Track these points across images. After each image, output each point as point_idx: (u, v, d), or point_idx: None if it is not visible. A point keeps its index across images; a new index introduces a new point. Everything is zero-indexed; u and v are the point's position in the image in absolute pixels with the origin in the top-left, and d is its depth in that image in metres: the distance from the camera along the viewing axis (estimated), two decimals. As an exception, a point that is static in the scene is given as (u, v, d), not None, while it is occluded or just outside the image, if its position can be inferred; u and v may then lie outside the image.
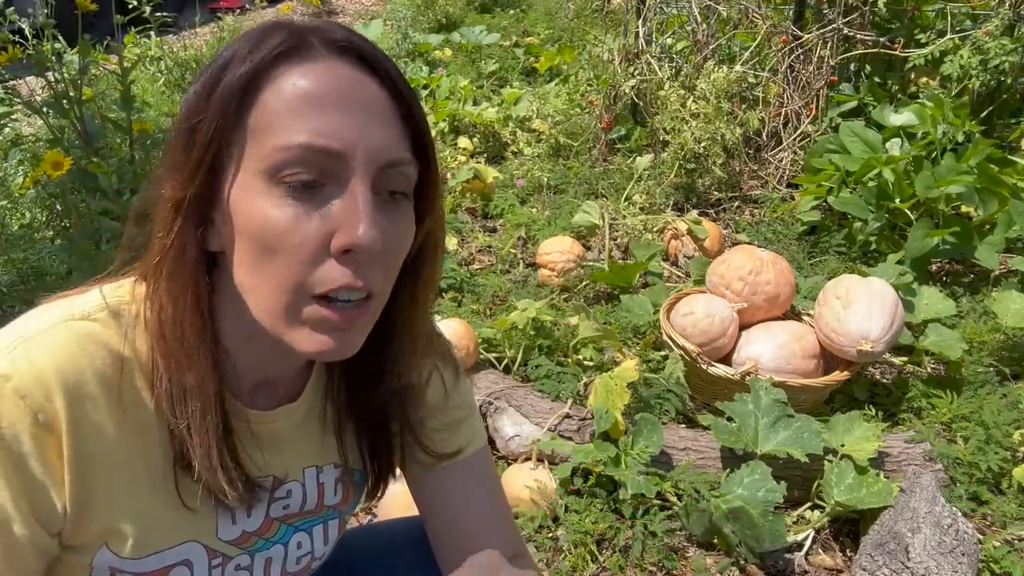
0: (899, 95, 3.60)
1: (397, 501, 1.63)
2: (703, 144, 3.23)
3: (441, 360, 0.85)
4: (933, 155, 2.95)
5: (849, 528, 1.78)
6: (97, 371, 0.63)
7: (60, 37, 2.33)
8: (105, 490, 0.64)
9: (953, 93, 3.29)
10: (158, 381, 0.65)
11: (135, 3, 2.67)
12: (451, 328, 2.07)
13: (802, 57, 3.56)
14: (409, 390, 0.80)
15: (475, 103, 4.18)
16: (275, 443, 0.75)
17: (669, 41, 4.00)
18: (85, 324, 0.64)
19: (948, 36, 3.37)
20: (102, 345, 0.64)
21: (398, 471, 0.88)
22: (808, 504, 1.80)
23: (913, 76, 3.66)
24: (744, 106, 3.51)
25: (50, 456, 0.61)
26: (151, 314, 0.65)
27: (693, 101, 3.33)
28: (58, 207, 2.45)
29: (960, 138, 3.01)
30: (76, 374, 0.62)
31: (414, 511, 1.01)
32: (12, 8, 2.24)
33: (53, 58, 2.19)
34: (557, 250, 2.70)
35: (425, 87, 4.40)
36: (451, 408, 0.85)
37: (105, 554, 0.66)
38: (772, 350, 2.03)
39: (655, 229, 2.97)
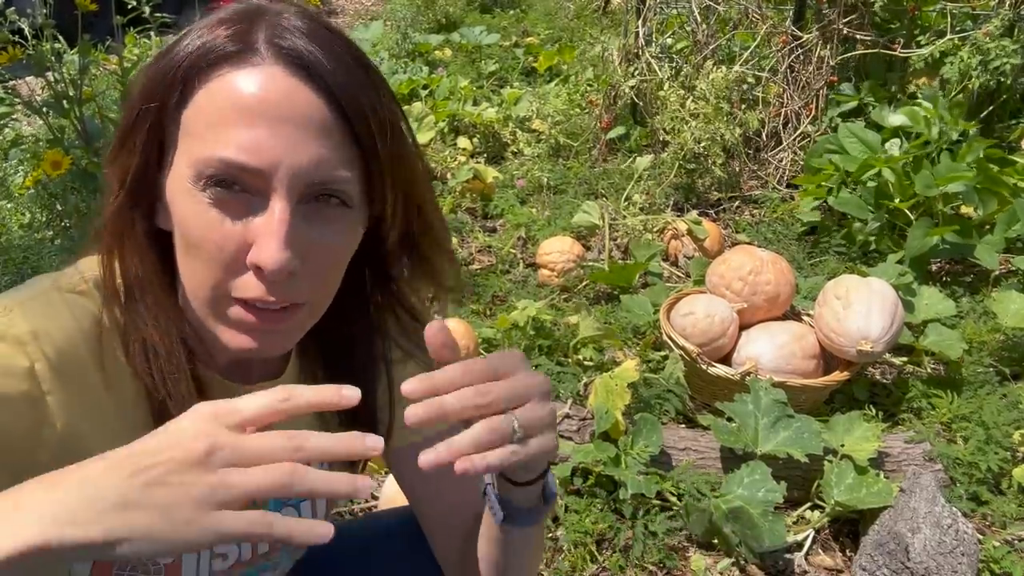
0: (899, 95, 3.60)
1: (396, 501, 1.63)
2: (703, 144, 3.23)
3: (419, 349, 0.84)
4: (932, 155, 2.95)
5: (849, 528, 1.78)
6: (86, 337, 0.64)
7: (60, 37, 2.33)
8: (81, 454, 0.64)
9: (953, 93, 3.29)
10: (131, 343, 0.66)
11: (134, 3, 2.67)
12: (451, 328, 2.07)
13: (802, 57, 3.56)
14: (385, 365, 0.81)
15: (475, 103, 4.18)
16: None
17: (669, 41, 4.00)
18: (72, 295, 0.66)
19: (948, 36, 3.37)
20: (88, 313, 0.65)
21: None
22: (808, 504, 1.80)
23: (912, 76, 3.66)
24: (744, 106, 3.51)
25: (28, 410, 0.60)
26: (117, 277, 0.66)
27: (693, 101, 3.33)
28: (58, 207, 2.45)
29: (955, 137, 3.01)
30: (68, 337, 0.63)
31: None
32: (12, 8, 2.24)
33: (53, 58, 2.19)
34: (557, 250, 2.69)
35: (425, 87, 4.40)
36: None
37: None
38: (772, 350, 2.03)
39: (655, 229, 2.97)
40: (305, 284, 0.63)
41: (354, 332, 0.78)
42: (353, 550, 0.95)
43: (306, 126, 0.59)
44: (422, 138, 3.68)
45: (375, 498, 1.85)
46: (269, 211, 0.59)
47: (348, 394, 0.52)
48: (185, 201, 0.61)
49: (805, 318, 2.19)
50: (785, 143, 3.55)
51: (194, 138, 0.60)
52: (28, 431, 0.60)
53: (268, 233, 0.59)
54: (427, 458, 0.56)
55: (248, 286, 0.61)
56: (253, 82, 0.59)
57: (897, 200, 2.72)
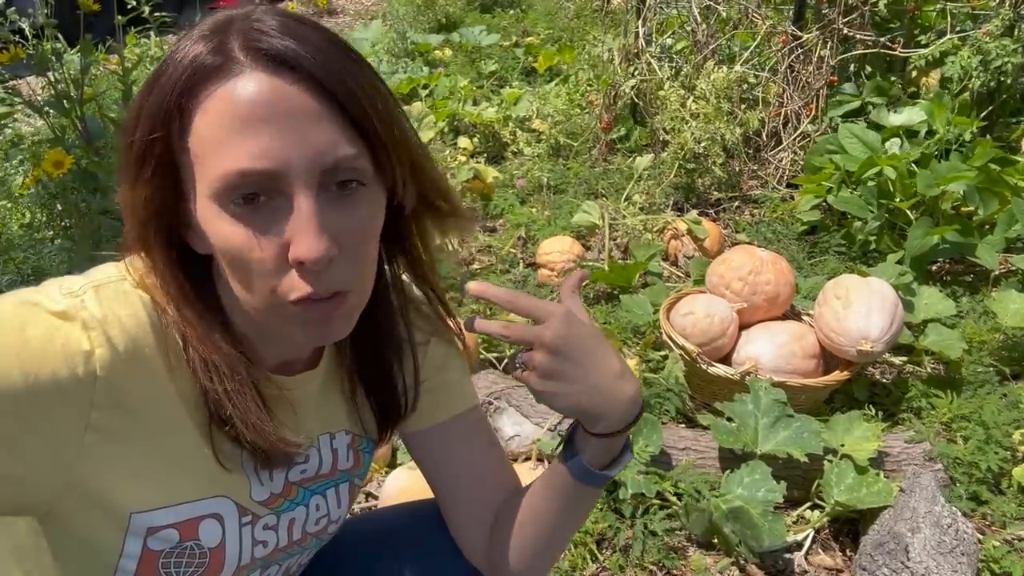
0: (899, 95, 3.60)
1: (398, 500, 1.64)
2: (703, 144, 3.23)
3: (438, 329, 0.89)
4: (935, 154, 2.95)
5: (849, 528, 1.78)
6: (155, 328, 0.67)
7: (60, 37, 2.33)
8: (139, 439, 0.66)
9: (954, 93, 3.30)
10: (190, 355, 0.68)
11: (134, 3, 2.68)
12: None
13: (802, 57, 3.56)
14: (408, 349, 0.86)
15: (475, 103, 4.18)
16: (294, 411, 0.78)
17: (669, 41, 4.00)
18: (137, 290, 0.68)
19: (948, 36, 3.37)
20: (152, 307, 0.68)
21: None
22: (808, 504, 1.80)
23: (914, 76, 3.66)
24: (744, 106, 3.51)
25: (77, 391, 0.62)
26: (163, 294, 0.68)
27: (693, 101, 3.33)
28: (58, 207, 2.46)
29: (966, 138, 3.01)
30: (138, 326, 0.65)
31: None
32: (13, 8, 2.24)
33: (54, 58, 2.20)
34: (557, 250, 2.70)
35: (425, 87, 4.40)
36: (450, 368, 0.90)
37: (138, 518, 0.68)
38: (772, 350, 2.03)
39: (655, 229, 2.97)
40: (345, 269, 0.65)
41: (380, 318, 0.82)
42: (363, 546, 0.97)
43: (303, 118, 0.61)
44: (422, 138, 3.67)
45: (375, 497, 1.85)
46: (296, 208, 0.62)
47: None
48: (216, 223, 0.63)
49: (805, 318, 2.19)
50: (785, 143, 3.55)
51: (205, 161, 0.62)
52: (73, 410, 0.62)
53: (301, 229, 0.61)
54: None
55: (297, 286, 0.63)
56: (242, 92, 0.60)
57: (898, 199, 2.72)
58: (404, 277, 0.85)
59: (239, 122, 0.60)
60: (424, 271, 0.83)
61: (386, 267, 0.82)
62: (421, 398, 0.88)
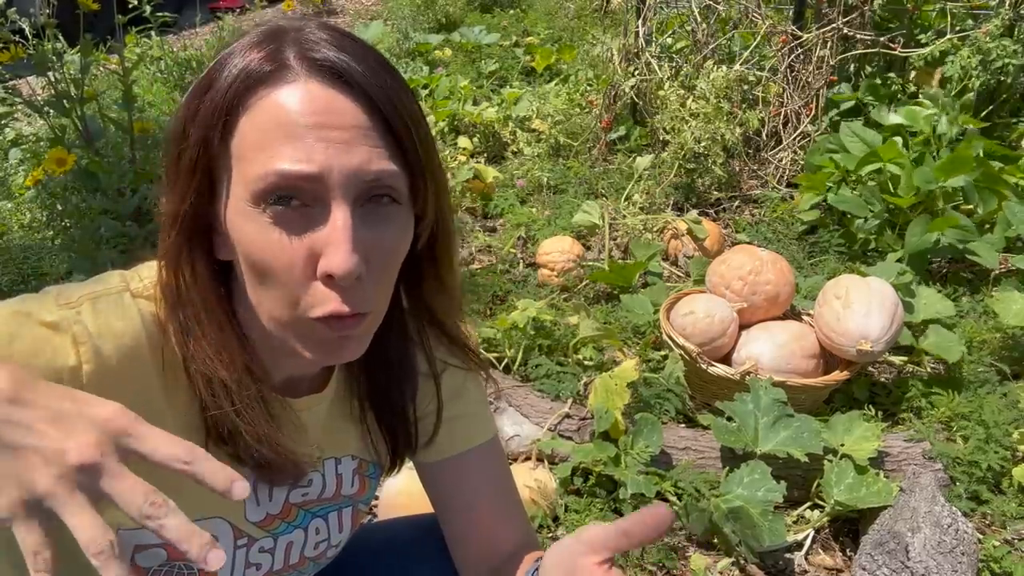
0: (899, 95, 3.60)
1: (397, 501, 1.64)
2: (703, 144, 3.23)
3: (457, 356, 0.86)
4: (934, 152, 2.96)
5: (849, 528, 1.78)
6: (152, 344, 0.66)
7: (61, 36, 2.34)
8: None
9: (953, 93, 3.30)
10: (187, 365, 0.67)
11: (135, 3, 2.68)
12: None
13: (802, 57, 3.56)
14: (423, 379, 0.83)
15: (475, 103, 4.18)
16: (300, 432, 0.77)
17: (669, 41, 4.00)
18: (141, 299, 0.67)
19: (948, 36, 3.37)
20: (155, 319, 0.67)
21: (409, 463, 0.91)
22: (808, 504, 1.80)
23: (913, 76, 3.66)
24: (744, 106, 3.51)
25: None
26: (178, 307, 0.67)
27: (693, 101, 3.33)
28: (58, 207, 2.46)
29: (954, 135, 3.02)
30: (134, 340, 0.65)
31: (414, 511, 1.02)
32: (13, 8, 2.24)
33: (54, 58, 2.20)
34: (557, 250, 2.70)
35: (425, 87, 4.40)
36: (464, 400, 0.87)
37: (125, 535, 0.67)
38: (772, 350, 2.03)
39: (655, 229, 2.97)
40: (370, 289, 0.64)
41: (393, 344, 0.80)
42: (368, 557, 0.96)
43: (350, 130, 0.61)
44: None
45: (375, 497, 1.85)
46: (331, 219, 0.61)
47: (237, 491, 0.48)
48: (246, 225, 0.62)
49: (805, 318, 2.19)
50: (785, 143, 3.55)
51: (246, 162, 0.61)
52: None
53: (335, 241, 0.60)
54: None
55: (322, 300, 0.62)
56: (293, 98, 0.60)
57: (898, 195, 2.72)
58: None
59: (287, 127, 0.60)
60: (439, 299, 0.80)
61: (403, 292, 0.79)
62: (440, 429, 0.85)
